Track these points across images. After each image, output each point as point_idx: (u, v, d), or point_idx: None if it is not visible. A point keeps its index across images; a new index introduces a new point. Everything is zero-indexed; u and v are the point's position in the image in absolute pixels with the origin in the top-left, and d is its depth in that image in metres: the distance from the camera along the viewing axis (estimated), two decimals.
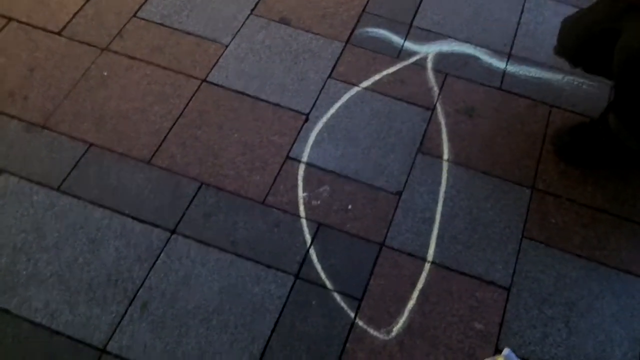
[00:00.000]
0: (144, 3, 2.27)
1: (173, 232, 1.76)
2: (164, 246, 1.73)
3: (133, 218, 1.78)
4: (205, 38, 2.19)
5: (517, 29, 2.28)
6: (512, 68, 2.18)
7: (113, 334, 1.59)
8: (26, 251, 1.71)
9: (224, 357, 1.56)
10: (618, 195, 1.90)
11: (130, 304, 1.64)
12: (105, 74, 2.09)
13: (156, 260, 1.71)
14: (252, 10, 2.27)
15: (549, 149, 1.98)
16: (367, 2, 2.32)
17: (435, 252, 1.76)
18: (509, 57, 2.21)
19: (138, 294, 1.65)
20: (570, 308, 1.68)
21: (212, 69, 2.12)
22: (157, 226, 1.77)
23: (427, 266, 1.74)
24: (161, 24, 2.21)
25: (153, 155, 1.91)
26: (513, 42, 2.24)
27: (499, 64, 2.19)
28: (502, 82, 2.14)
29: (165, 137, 1.95)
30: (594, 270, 1.75)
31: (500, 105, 2.08)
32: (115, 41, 2.16)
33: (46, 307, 1.62)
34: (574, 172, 1.94)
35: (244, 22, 2.24)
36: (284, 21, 2.25)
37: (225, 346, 1.58)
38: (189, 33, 2.19)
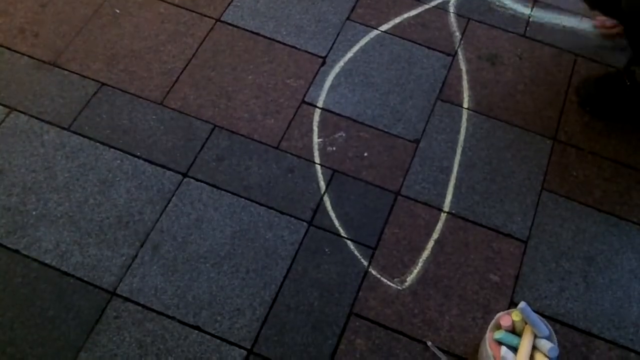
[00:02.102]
0: None
1: (185, 175, 1.72)
2: (176, 189, 1.70)
3: (144, 160, 1.75)
4: None
5: None
6: (537, 14, 2.11)
7: (123, 276, 1.57)
8: (36, 191, 1.68)
9: (235, 302, 1.55)
10: (637, 153, 1.85)
11: (141, 247, 1.61)
12: (118, 11, 2.03)
13: (168, 203, 1.68)
14: None
15: (573, 100, 1.92)
16: None
17: (452, 202, 1.73)
18: (534, 3, 2.13)
19: (149, 236, 1.63)
20: (589, 263, 1.65)
21: (227, 8, 2.05)
22: (169, 169, 1.73)
23: (443, 216, 1.70)
24: None
25: (165, 96, 1.86)
26: None
27: (523, 10, 2.12)
28: (526, 29, 2.07)
29: (178, 77, 1.90)
30: (614, 226, 1.71)
31: (524, 53, 2.01)
32: None
33: (56, 248, 1.60)
34: (598, 124, 1.89)
35: None
36: None
37: (236, 291, 1.56)
38: None
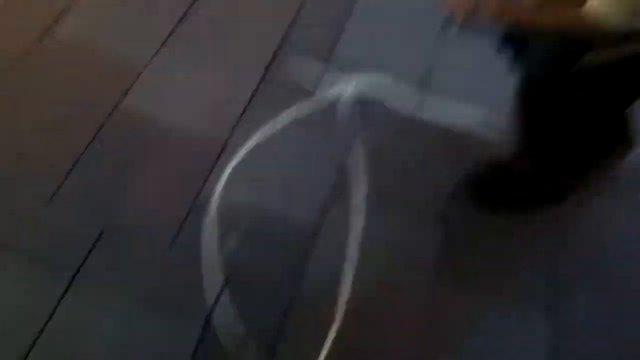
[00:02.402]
0: (56, 22, 2.19)
1: (73, 278, 1.64)
2: (63, 295, 1.61)
3: (31, 261, 1.65)
4: (120, 61, 2.12)
5: (437, 61, 2.28)
6: (430, 102, 2.17)
7: None
8: None
9: None
10: (522, 239, 1.90)
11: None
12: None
13: (54, 311, 1.58)
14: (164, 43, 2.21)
15: (463, 187, 1.96)
16: (285, 35, 2.29)
17: (352, 291, 1.71)
18: (427, 90, 2.20)
19: (32, 348, 1.52)
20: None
21: (124, 98, 2.03)
22: (57, 272, 1.64)
23: (344, 307, 1.69)
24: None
25: (54, 194, 1.79)
26: (432, 76, 2.24)
27: (416, 97, 2.17)
28: (419, 116, 2.12)
29: (68, 174, 1.83)
30: (502, 311, 1.76)
31: (417, 141, 2.06)
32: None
33: None
34: (486, 212, 1.92)
35: (158, 50, 2.18)
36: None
37: None
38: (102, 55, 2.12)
